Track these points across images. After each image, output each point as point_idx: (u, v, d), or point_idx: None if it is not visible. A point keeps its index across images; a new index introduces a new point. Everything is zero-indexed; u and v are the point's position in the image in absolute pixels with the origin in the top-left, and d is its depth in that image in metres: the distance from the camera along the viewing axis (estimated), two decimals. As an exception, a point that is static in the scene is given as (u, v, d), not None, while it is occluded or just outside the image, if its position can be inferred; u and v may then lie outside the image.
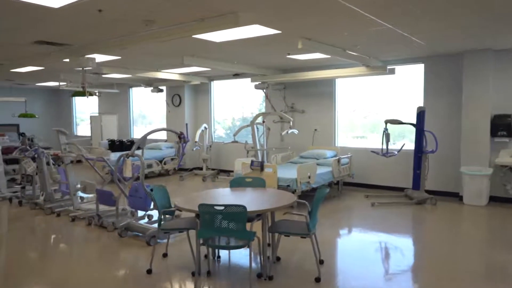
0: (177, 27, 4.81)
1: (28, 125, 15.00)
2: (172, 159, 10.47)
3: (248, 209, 3.36)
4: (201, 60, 7.37)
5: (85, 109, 15.06)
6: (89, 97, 6.20)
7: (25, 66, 7.91)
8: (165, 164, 10.21)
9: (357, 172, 8.24)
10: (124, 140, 11.76)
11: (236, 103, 10.91)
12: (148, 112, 13.03)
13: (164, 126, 11.62)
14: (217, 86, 11.03)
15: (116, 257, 4.49)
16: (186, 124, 6.41)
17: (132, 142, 11.63)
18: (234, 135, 9.24)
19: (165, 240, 4.68)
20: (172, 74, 9.63)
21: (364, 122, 9.08)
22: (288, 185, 6.45)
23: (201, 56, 7.24)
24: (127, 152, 4.90)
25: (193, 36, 5.40)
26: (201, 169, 10.33)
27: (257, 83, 9.00)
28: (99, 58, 7.43)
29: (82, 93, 6.17)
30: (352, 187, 8.39)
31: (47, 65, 8.16)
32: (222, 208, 3.28)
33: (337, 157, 7.66)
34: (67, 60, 6.69)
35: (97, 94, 6.66)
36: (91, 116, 13.09)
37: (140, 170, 4.88)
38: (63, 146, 6.02)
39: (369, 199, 7.33)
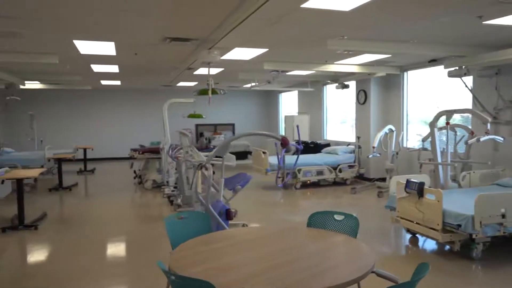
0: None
1: (242, 125, 16.17)
2: (350, 166, 8.89)
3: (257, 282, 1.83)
4: (353, 42, 5.64)
5: (291, 109, 15.03)
6: (213, 95, 5.56)
7: (192, 67, 8.00)
8: (340, 171, 8.74)
9: None
10: (308, 141, 10.88)
11: (441, 98, 8.32)
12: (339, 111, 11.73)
13: (354, 126, 10.12)
14: (412, 78, 8.72)
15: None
16: (297, 126, 4.93)
17: (316, 145, 10.62)
18: (423, 141, 6.99)
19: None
20: (347, 65, 8.09)
21: None
22: (459, 225, 4.06)
23: (351, 36, 5.53)
24: (200, 161, 3.93)
25: (303, 6, 3.95)
26: (385, 180, 8.36)
27: (451, 69, 6.43)
28: (249, 52, 6.75)
29: (206, 91, 5.62)
30: None
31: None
32: (173, 278, 1.87)
33: None
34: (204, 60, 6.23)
35: (222, 92, 5.97)
36: (285, 116, 12.82)
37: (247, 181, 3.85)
38: (185, 149, 5.58)
39: None
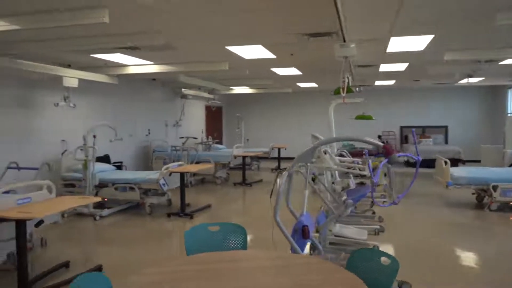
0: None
1: (456, 127, 13.82)
2: None
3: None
4: None
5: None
6: (350, 93, 4.85)
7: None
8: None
9: None
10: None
11: None
12: None
13: None
14: None
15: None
16: (413, 131, 3.43)
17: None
18: None
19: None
20: None
21: None
22: None
23: None
24: (329, 167, 3.50)
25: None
26: None
27: None
28: (414, 42, 5.70)
29: (339, 90, 4.93)
30: None
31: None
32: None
33: None
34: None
35: (357, 90, 5.09)
36: (507, 117, 10.19)
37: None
38: (317, 154, 5.12)
39: None
